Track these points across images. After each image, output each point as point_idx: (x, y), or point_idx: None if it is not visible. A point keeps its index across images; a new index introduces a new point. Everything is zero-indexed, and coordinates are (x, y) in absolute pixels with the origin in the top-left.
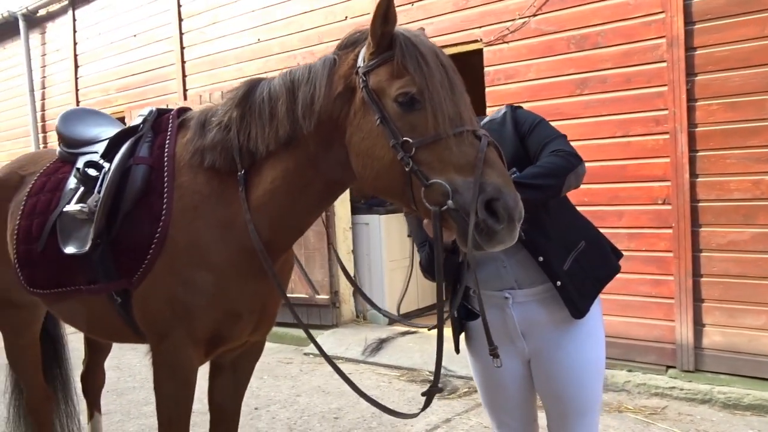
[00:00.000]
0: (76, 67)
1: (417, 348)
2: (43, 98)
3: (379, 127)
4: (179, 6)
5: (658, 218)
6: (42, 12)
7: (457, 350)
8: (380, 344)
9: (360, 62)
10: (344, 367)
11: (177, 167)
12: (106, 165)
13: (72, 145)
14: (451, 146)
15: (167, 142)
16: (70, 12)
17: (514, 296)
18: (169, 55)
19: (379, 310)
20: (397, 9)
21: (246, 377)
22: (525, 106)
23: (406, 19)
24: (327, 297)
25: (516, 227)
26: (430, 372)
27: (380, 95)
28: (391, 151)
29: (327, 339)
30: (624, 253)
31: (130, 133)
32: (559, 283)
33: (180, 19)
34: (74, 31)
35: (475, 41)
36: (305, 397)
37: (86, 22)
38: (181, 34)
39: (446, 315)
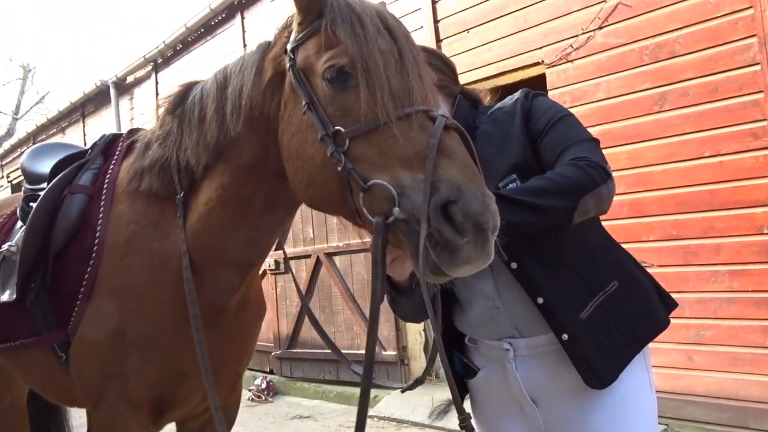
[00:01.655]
0: None
1: None
2: None
3: (307, 116)
4: None
5: (766, 251)
6: (130, 78)
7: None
8: (448, 406)
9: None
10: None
11: (116, 195)
12: None
13: (34, 181)
14: (396, 133)
15: (111, 166)
16: (153, 76)
17: (516, 348)
18: None
19: (348, 363)
20: (453, 37)
21: None
22: (597, 129)
23: (462, 48)
24: (394, 353)
25: (488, 240)
26: None
27: (308, 74)
28: (322, 146)
29: (393, 400)
30: (726, 294)
31: (76, 158)
32: (565, 336)
33: None
34: (156, 94)
35: (537, 63)
36: None
37: (166, 84)
38: None
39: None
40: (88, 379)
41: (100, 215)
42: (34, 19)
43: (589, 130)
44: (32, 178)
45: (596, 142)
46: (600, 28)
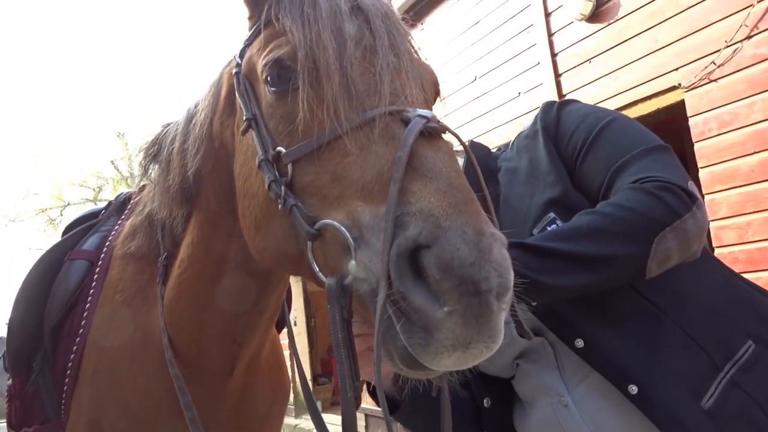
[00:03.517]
0: None
1: None
2: None
3: (249, 137)
4: None
5: None
6: None
7: None
8: None
9: None
10: None
11: (113, 259)
12: None
13: None
14: (351, 149)
15: (117, 226)
16: None
17: None
18: None
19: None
20: (573, 70)
21: None
22: (755, 158)
23: (585, 80)
24: None
25: (489, 309)
26: None
27: (253, 81)
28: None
29: None
30: None
31: (90, 219)
32: None
33: None
34: None
35: (674, 88)
36: None
37: None
38: None
39: None
40: None
41: (93, 283)
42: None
43: (745, 160)
44: None
45: (666, 150)
46: (749, 37)
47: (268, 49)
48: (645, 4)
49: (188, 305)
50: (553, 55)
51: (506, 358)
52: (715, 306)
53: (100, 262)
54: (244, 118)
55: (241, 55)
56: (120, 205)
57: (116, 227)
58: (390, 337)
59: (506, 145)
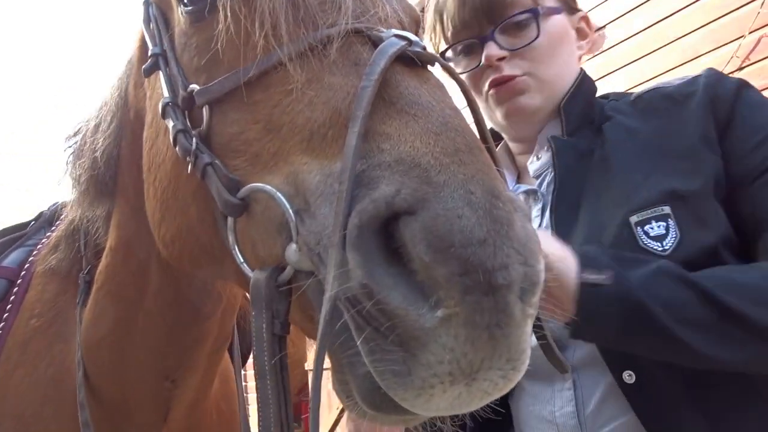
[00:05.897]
0: None
1: None
2: None
3: (155, 80)
4: None
5: None
6: None
7: None
8: None
9: None
10: None
11: (34, 276)
12: None
13: None
14: (295, 83)
15: (44, 239)
16: None
17: None
18: None
19: None
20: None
21: None
22: None
23: None
24: None
25: (514, 318)
26: None
27: (165, 9)
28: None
29: None
30: None
31: (16, 230)
32: None
33: None
34: None
35: None
36: None
37: None
38: None
39: None
40: None
41: (9, 306)
42: None
43: None
44: None
45: None
46: (740, 68)
47: None
48: (631, 36)
49: (107, 331)
50: None
51: None
52: None
53: (19, 281)
54: (150, 53)
55: None
56: (51, 215)
57: (44, 240)
58: (347, 361)
59: (619, 94)
